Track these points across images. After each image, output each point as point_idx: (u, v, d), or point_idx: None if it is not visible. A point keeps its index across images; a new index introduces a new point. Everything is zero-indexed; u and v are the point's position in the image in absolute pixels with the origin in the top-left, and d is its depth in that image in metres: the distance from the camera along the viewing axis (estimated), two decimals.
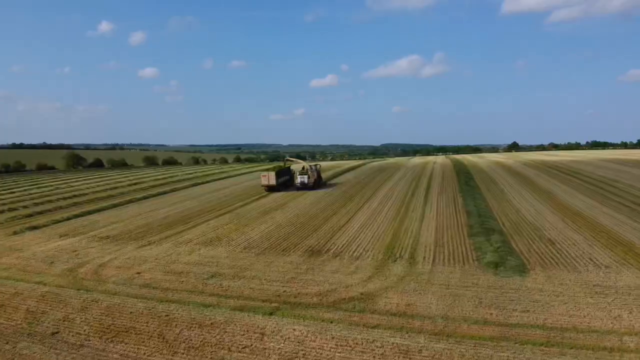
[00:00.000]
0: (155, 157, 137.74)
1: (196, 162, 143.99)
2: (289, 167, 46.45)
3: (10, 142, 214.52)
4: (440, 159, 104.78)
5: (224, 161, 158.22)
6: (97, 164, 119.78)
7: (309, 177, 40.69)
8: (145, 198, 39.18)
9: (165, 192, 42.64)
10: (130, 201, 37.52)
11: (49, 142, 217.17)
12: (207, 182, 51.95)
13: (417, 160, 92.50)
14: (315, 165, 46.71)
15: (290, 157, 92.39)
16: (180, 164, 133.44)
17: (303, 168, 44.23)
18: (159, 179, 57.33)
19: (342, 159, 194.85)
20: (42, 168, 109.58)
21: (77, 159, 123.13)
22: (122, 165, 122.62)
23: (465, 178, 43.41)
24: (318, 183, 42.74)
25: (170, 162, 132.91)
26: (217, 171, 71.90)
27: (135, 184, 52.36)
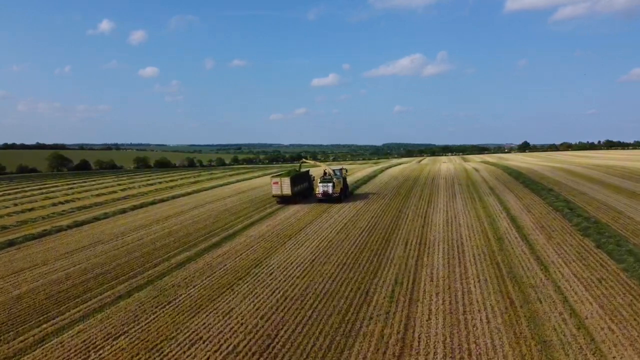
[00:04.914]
0: (147, 158, 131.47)
1: (191, 163, 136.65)
2: (308, 171, 37.00)
3: (10, 142, 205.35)
4: (456, 160, 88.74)
5: (221, 162, 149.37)
6: (84, 166, 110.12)
7: (334, 186, 31.48)
8: (42, 235, 23.63)
9: (85, 222, 26.99)
10: (11, 243, 21.86)
11: (50, 142, 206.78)
12: (165, 200, 36.13)
13: (448, 165, 76.32)
14: (341, 169, 35.12)
15: (307, 158, 77.21)
16: (174, 165, 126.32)
17: (325, 173, 33.88)
18: (102, 195, 41.82)
19: (345, 160, 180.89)
20: (23, 170, 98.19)
21: (61, 160, 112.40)
22: (110, 167, 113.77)
23: (554, 199, 27.49)
24: (345, 193, 33.25)
25: (163, 164, 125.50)
26: (191, 180, 55.89)
27: (65, 202, 36.99)
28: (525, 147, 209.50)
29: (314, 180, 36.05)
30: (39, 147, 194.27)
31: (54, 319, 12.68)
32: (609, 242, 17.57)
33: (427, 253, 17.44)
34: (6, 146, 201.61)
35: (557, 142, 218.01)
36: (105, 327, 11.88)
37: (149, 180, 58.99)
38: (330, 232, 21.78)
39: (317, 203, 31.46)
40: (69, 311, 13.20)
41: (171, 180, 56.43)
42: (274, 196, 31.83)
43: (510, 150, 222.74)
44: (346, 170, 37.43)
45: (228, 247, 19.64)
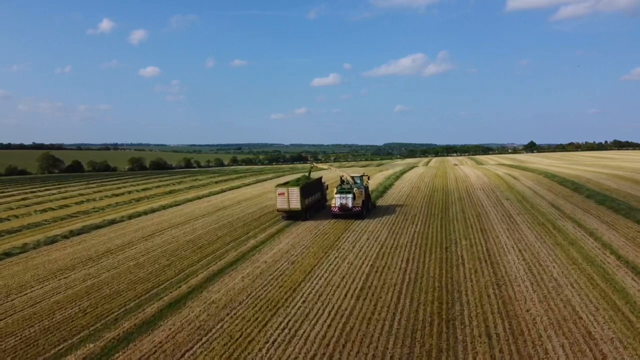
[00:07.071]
0: (142, 159, 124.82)
1: (188, 164, 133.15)
2: (320, 179, 30.36)
3: (6, 143, 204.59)
4: (468, 162, 79.56)
5: (220, 162, 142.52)
6: (75, 168, 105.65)
7: (354, 197, 25.24)
8: None
9: None
10: None
11: (50, 142, 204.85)
12: (117, 221, 27.48)
13: (474, 170, 67.10)
14: (361, 176, 28.93)
15: (317, 162, 68.20)
16: (171, 166, 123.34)
17: (343, 181, 28.25)
18: (49, 210, 33.77)
19: (346, 160, 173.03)
20: (12, 172, 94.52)
21: (52, 161, 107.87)
22: (104, 169, 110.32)
23: None
24: (367, 206, 26.85)
25: (159, 165, 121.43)
26: (166, 190, 46.90)
27: None
28: (532, 147, 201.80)
29: (327, 188, 30.67)
30: (36, 147, 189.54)
31: None
32: None
33: None
34: (2, 146, 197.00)
35: (560, 142, 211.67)
36: None
37: (119, 188, 50.29)
38: (346, 295, 13.15)
39: (327, 224, 23.93)
40: None
41: (144, 190, 47.64)
42: (278, 210, 25.54)
43: (515, 150, 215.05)
44: (368, 178, 30.51)
45: (166, 332, 11.03)
